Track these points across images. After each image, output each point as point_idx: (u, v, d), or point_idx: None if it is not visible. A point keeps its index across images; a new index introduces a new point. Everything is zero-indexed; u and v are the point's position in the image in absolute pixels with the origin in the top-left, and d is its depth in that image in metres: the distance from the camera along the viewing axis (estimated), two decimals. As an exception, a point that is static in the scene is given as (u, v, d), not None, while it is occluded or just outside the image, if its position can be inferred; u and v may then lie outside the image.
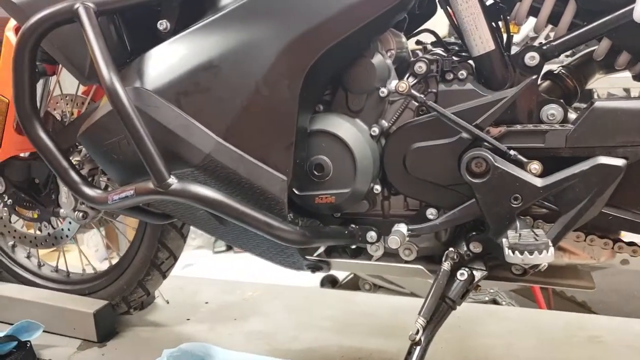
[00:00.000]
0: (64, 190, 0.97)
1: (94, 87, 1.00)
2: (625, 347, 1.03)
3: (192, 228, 0.93)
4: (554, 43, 0.65)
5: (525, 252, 0.56)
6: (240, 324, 1.15)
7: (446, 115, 0.64)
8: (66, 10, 0.65)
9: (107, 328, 1.07)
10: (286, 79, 0.64)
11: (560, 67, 0.75)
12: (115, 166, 0.71)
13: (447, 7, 0.69)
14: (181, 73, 0.66)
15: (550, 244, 0.56)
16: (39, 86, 0.91)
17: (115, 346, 1.06)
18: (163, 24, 0.70)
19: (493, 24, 0.68)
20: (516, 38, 0.93)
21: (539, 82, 0.67)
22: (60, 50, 0.73)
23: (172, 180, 0.63)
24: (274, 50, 0.64)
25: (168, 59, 0.67)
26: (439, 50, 0.77)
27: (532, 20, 0.72)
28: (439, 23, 0.81)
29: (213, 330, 1.13)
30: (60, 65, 0.90)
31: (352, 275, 2.01)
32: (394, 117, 0.70)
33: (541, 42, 0.68)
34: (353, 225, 0.74)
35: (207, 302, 1.25)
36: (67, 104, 1.02)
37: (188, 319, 1.18)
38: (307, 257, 0.75)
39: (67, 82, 0.99)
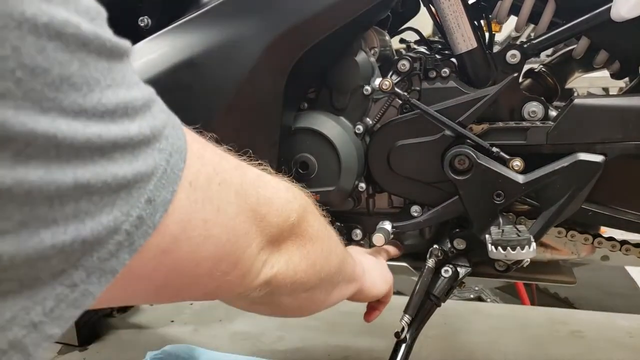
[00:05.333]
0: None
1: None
2: (605, 341, 1.05)
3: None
4: (534, 41, 0.65)
5: (508, 247, 0.57)
6: (225, 325, 1.14)
7: (429, 112, 0.65)
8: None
9: (88, 331, 1.05)
10: (269, 77, 0.64)
11: (541, 66, 0.77)
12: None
13: (430, 5, 0.69)
14: (163, 70, 0.65)
15: (533, 239, 0.57)
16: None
17: (97, 350, 1.04)
18: (144, 21, 0.69)
19: (475, 22, 0.68)
20: (499, 37, 0.94)
21: (520, 80, 0.68)
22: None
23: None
24: (256, 48, 0.63)
25: (149, 56, 0.66)
26: (422, 49, 0.78)
27: (514, 19, 0.73)
28: (424, 22, 0.81)
29: (197, 331, 1.11)
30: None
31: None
32: (378, 115, 0.70)
33: (522, 41, 0.69)
34: (338, 223, 0.74)
35: (191, 304, 1.24)
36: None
37: (172, 321, 1.16)
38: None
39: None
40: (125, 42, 0.22)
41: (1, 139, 0.17)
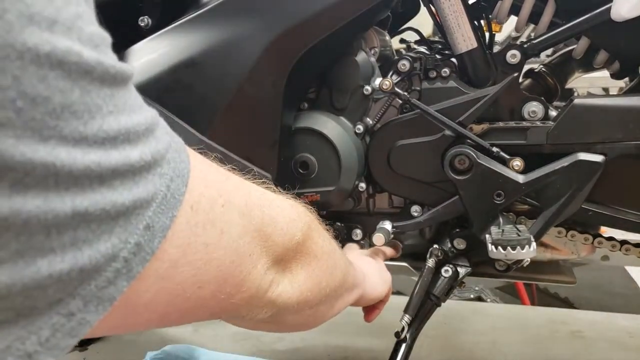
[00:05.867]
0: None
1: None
2: (605, 341, 1.05)
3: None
4: (534, 41, 0.65)
5: (508, 247, 0.57)
6: (225, 325, 1.13)
7: (429, 112, 0.65)
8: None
9: (89, 331, 1.05)
10: (270, 76, 0.64)
11: (541, 66, 0.77)
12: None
13: (430, 5, 0.70)
14: (163, 70, 0.65)
15: (533, 239, 0.57)
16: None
17: (97, 350, 1.04)
18: (144, 21, 0.69)
19: (475, 22, 0.68)
20: (499, 37, 0.94)
21: (520, 80, 0.68)
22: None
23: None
24: (257, 48, 0.63)
25: (149, 56, 0.66)
26: (422, 49, 0.78)
27: (514, 19, 0.73)
28: (424, 22, 0.81)
29: (197, 331, 1.11)
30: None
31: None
32: (378, 115, 0.70)
33: (522, 41, 0.69)
34: (338, 223, 0.74)
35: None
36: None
37: (172, 321, 1.16)
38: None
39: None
40: (128, 67, 0.22)
41: (0, 168, 0.17)
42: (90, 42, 0.20)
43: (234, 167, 0.32)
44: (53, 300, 0.19)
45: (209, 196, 0.26)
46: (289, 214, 0.35)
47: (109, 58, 0.21)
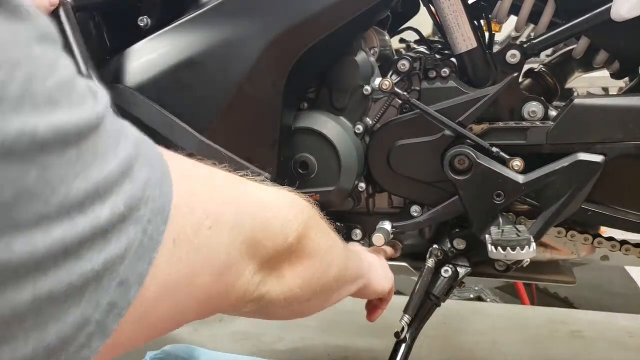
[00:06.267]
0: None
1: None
2: (605, 341, 1.05)
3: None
4: (534, 41, 0.65)
5: (508, 248, 0.57)
6: (225, 325, 1.14)
7: (429, 112, 0.65)
8: (43, 5, 0.63)
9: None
10: (270, 76, 0.64)
11: (541, 66, 0.77)
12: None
13: (430, 5, 0.69)
14: (163, 70, 0.65)
15: (533, 239, 0.57)
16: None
17: (98, 350, 1.04)
18: (144, 21, 0.69)
19: (475, 22, 0.68)
20: (499, 37, 0.94)
21: (520, 80, 0.68)
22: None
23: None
24: (257, 48, 0.63)
25: (149, 56, 0.66)
26: (422, 49, 0.78)
27: (514, 19, 0.73)
28: (424, 22, 0.81)
29: (197, 332, 1.11)
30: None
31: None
32: (378, 115, 0.70)
33: (522, 41, 0.69)
34: (338, 224, 0.74)
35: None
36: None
37: (172, 321, 1.16)
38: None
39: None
40: (99, 105, 0.20)
41: None
42: (48, 104, 0.18)
43: (228, 167, 0.31)
44: None
45: (194, 221, 0.25)
46: (285, 215, 0.33)
47: (73, 113, 0.18)
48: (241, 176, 0.33)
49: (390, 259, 0.72)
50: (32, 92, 0.17)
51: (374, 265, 0.54)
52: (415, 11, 0.83)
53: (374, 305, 0.60)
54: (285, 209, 0.34)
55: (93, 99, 0.20)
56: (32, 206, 0.17)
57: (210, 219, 0.26)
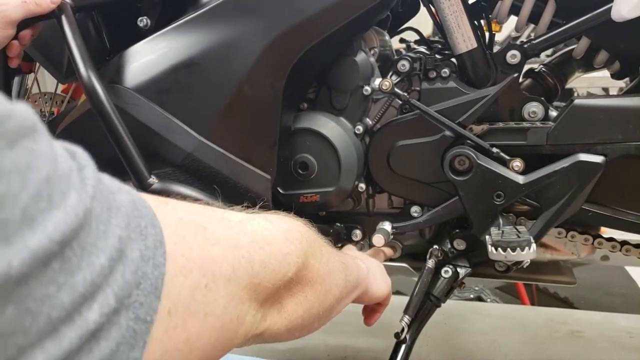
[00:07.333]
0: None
1: (73, 84, 0.98)
2: (605, 341, 1.05)
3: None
4: (534, 41, 0.65)
5: (508, 249, 0.57)
6: (225, 325, 1.13)
7: (429, 113, 0.64)
8: (42, 6, 0.63)
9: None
10: (269, 77, 0.63)
11: (541, 66, 0.76)
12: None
13: (430, 5, 0.69)
14: (162, 71, 0.65)
15: (533, 240, 0.57)
16: (15, 84, 0.89)
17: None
18: (143, 21, 0.68)
19: (475, 22, 0.68)
20: (499, 37, 0.94)
21: (520, 80, 0.68)
22: (36, 47, 0.72)
23: (153, 180, 0.62)
24: (256, 48, 0.63)
25: (148, 57, 0.66)
26: (422, 49, 0.78)
27: (514, 19, 0.72)
28: (424, 22, 0.81)
29: (198, 331, 1.11)
30: (37, 63, 0.88)
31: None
32: (378, 115, 0.69)
33: (522, 41, 0.69)
34: (338, 224, 0.74)
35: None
36: (46, 103, 1.00)
37: (172, 321, 1.16)
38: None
39: (47, 80, 0.96)
40: (83, 194, 0.19)
41: None
42: (23, 225, 0.16)
43: (229, 206, 0.30)
44: None
45: (190, 284, 0.24)
46: (283, 250, 0.32)
47: (55, 215, 0.17)
48: (239, 209, 0.32)
49: (389, 260, 0.72)
50: (1, 221, 0.16)
51: (372, 270, 0.54)
52: (415, 11, 0.83)
53: (372, 309, 0.60)
54: (282, 243, 0.33)
55: (79, 181, 0.19)
56: (10, 343, 0.16)
57: (207, 276, 0.25)
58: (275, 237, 0.33)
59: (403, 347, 0.66)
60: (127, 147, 0.61)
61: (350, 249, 0.69)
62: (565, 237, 0.69)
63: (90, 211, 0.19)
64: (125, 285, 0.20)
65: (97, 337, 0.19)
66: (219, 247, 0.27)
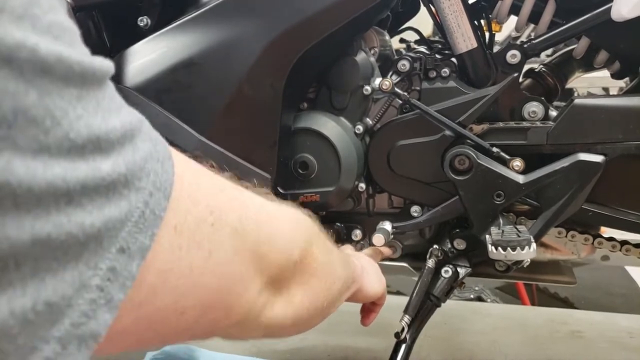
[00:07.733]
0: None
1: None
2: (605, 341, 1.05)
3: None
4: (534, 41, 0.65)
5: (508, 248, 0.57)
6: (225, 325, 1.13)
7: (429, 112, 0.64)
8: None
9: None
10: (269, 77, 0.64)
11: (541, 65, 0.77)
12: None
13: (430, 5, 0.69)
14: (162, 70, 0.65)
15: (533, 240, 0.57)
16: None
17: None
18: (143, 21, 0.69)
19: (475, 22, 0.68)
20: (499, 37, 0.94)
21: (520, 80, 0.68)
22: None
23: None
24: (256, 48, 0.63)
25: (149, 56, 0.66)
26: (422, 49, 0.78)
27: (514, 19, 0.72)
28: (424, 22, 0.81)
29: (198, 331, 1.11)
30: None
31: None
32: (378, 115, 0.70)
33: (522, 41, 0.69)
34: (338, 224, 0.74)
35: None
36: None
37: (172, 321, 1.16)
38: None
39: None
40: (101, 64, 0.19)
41: None
42: (49, 32, 0.17)
43: (233, 174, 0.30)
44: (25, 349, 0.16)
45: (197, 214, 0.24)
46: (288, 231, 0.32)
47: (75, 52, 0.18)
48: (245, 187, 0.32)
49: (389, 259, 0.72)
50: (33, 14, 0.16)
51: (366, 269, 0.54)
52: (415, 11, 0.83)
53: (368, 309, 0.60)
54: (288, 225, 0.33)
55: (97, 56, 0.20)
56: (31, 130, 0.16)
57: (214, 215, 0.25)
58: (282, 217, 0.33)
59: (403, 347, 0.66)
60: (127, 147, 0.61)
61: (345, 248, 0.69)
62: (566, 236, 0.69)
63: (107, 79, 0.20)
64: (136, 165, 0.20)
65: (109, 196, 0.19)
66: (227, 198, 0.27)
